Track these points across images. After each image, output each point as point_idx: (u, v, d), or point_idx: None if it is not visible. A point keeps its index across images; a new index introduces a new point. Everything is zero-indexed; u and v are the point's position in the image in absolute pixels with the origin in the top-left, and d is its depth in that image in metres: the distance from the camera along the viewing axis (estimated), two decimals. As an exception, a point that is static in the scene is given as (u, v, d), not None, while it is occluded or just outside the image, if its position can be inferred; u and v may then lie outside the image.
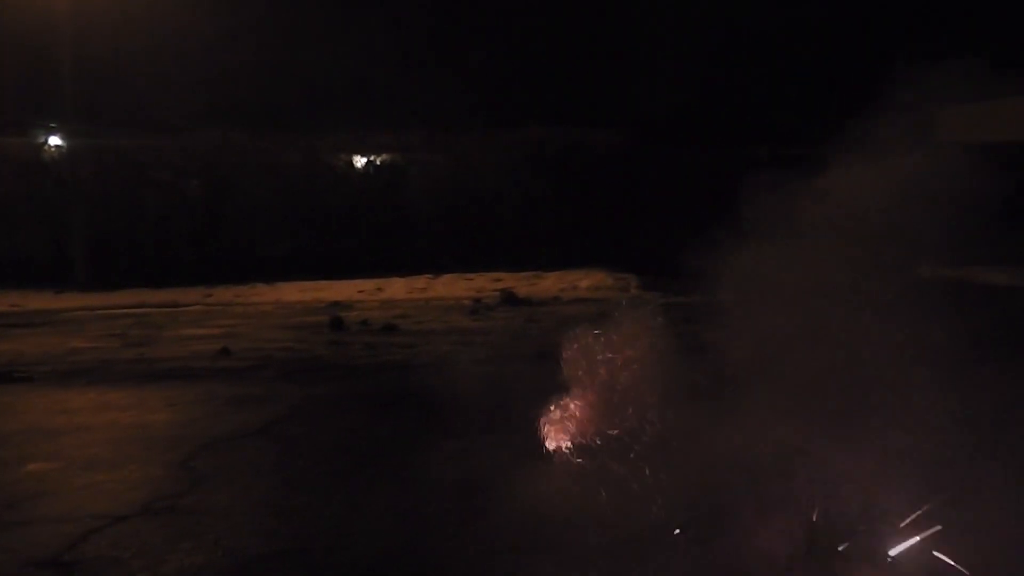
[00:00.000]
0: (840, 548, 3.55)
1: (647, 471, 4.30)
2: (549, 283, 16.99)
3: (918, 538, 3.59)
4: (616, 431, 4.65)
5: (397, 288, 16.83)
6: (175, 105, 20.16)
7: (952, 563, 3.49)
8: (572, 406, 4.91)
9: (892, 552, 3.58)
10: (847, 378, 4.04)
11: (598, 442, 4.72)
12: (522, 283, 16.81)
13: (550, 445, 4.94)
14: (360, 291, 16.30)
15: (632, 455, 4.43)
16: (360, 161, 20.80)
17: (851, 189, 5.77)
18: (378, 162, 20.83)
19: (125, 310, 14.31)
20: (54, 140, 19.31)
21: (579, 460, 4.74)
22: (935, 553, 3.55)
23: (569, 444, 4.87)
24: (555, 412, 4.93)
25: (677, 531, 3.87)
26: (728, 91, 22.57)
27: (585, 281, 16.79)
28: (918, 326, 4.10)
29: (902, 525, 3.63)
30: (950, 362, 3.90)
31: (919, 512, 3.63)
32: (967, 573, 3.48)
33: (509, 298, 14.40)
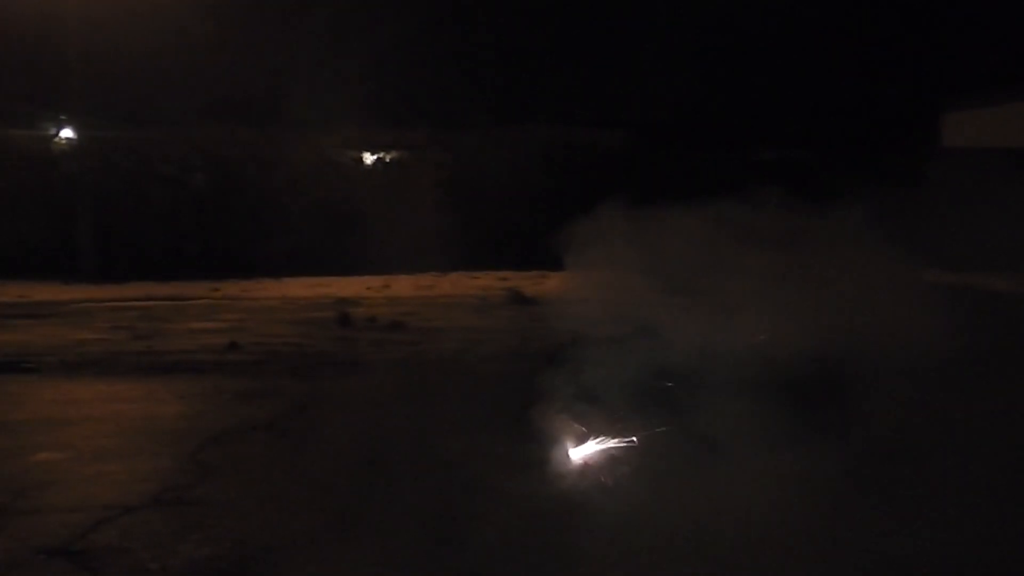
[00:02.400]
0: None
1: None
2: (555, 283, 16.96)
3: None
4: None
5: (404, 285, 16.85)
6: (180, 100, 20.23)
7: None
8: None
9: None
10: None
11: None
12: (528, 283, 16.79)
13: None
14: (367, 287, 16.31)
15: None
16: (369, 158, 20.81)
17: (860, 194, 5.80)
18: (387, 159, 20.85)
19: (132, 303, 14.31)
20: (65, 133, 19.34)
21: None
22: None
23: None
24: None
25: None
26: (733, 93, 22.60)
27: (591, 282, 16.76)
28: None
29: None
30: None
31: None
32: None
33: (515, 297, 14.40)
